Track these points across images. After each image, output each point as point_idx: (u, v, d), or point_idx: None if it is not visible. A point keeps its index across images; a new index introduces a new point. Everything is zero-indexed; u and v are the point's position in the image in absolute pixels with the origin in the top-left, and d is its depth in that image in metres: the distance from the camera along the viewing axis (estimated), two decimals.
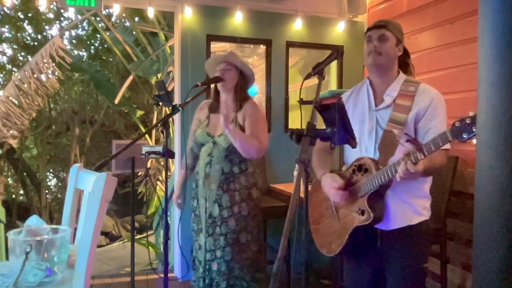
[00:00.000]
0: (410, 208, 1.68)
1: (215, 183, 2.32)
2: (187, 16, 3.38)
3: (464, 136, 1.29)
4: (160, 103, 2.17)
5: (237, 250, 2.31)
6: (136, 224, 8.07)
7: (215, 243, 2.32)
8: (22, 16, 9.39)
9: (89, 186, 1.60)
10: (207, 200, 2.35)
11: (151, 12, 3.43)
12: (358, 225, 1.64)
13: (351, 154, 1.79)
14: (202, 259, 2.37)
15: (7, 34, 9.60)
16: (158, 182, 5.94)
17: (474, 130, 1.26)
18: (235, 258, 2.30)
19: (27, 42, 9.74)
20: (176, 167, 3.66)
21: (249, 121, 2.33)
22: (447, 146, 1.56)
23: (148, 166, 5.09)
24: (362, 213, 1.63)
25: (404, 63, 1.82)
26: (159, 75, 5.73)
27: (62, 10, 9.22)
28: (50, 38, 8.82)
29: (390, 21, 1.78)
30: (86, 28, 10.37)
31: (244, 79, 2.40)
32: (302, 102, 1.49)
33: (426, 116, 1.65)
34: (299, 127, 1.32)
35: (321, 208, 1.86)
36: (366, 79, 1.86)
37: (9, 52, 9.91)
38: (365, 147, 1.74)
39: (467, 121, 1.28)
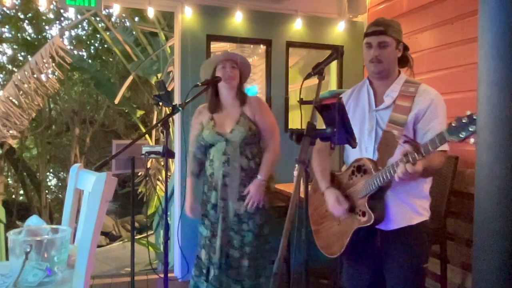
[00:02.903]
0: (410, 208, 1.68)
1: (236, 181, 2.33)
2: (187, 16, 3.38)
3: (461, 135, 1.28)
4: (160, 103, 2.17)
5: (262, 241, 2.38)
6: (136, 224, 8.07)
7: (243, 239, 2.34)
8: (22, 16, 9.38)
9: (89, 186, 1.60)
10: (228, 199, 2.34)
11: (151, 12, 3.43)
12: (359, 227, 1.64)
13: (351, 154, 1.79)
14: (217, 260, 2.34)
15: (7, 34, 9.60)
16: (158, 182, 5.94)
17: (471, 129, 1.25)
18: (259, 249, 2.37)
19: (27, 40, 9.73)
20: (176, 167, 3.65)
21: (260, 119, 2.40)
22: (445, 147, 1.56)
23: (148, 166, 5.09)
24: (363, 214, 1.63)
25: (403, 58, 1.79)
26: (159, 75, 5.74)
27: (62, 10, 9.22)
28: (50, 38, 8.83)
29: (388, 23, 1.74)
30: (86, 28, 10.38)
31: (242, 74, 2.46)
32: (302, 102, 1.49)
33: (425, 117, 1.64)
34: (299, 127, 1.32)
35: (321, 209, 1.86)
36: (366, 79, 1.85)
37: (9, 52, 9.92)
38: (365, 148, 1.74)
39: (464, 120, 1.27)
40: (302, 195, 1.30)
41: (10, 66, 9.72)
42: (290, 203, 1.13)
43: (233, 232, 2.34)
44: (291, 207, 1.11)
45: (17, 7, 8.45)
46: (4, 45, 9.65)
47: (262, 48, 3.81)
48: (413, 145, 1.42)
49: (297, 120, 1.86)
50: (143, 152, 2.56)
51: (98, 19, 7.62)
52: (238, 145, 2.33)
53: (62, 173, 11.59)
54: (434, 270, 2.63)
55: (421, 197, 1.72)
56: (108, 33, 6.86)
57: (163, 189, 5.27)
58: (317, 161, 1.88)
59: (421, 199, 1.71)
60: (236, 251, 2.34)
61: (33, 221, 1.61)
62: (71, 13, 9.10)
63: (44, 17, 9.66)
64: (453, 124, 1.30)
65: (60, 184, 11.80)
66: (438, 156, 1.57)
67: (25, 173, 10.17)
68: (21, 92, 4.99)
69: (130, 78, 6.02)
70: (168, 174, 4.98)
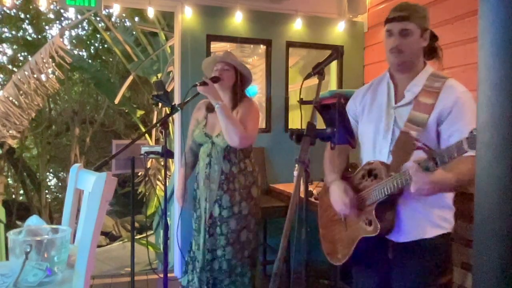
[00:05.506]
0: (425, 219, 1.51)
1: (215, 183, 2.33)
2: (187, 16, 3.38)
3: None
4: (160, 103, 2.17)
5: (238, 248, 2.32)
6: (136, 224, 8.06)
7: (216, 243, 2.32)
8: (22, 16, 9.39)
9: (89, 186, 1.60)
10: (207, 200, 2.35)
11: (151, 12, 3.43)
12: (365, 236, 1.54)
13: (365, 155, 1.67)
14: (200, 258, 2.37)
15: (7, 34, 9.59)
16: (158, 182, 5.94)
17: None
18: (236, 256, 2.32)
19: (27, 40, 9.73)
20: (176, 166, 3.66)
21: (241, 112, 2.33)
22: (471, 152, 1.27)
23: (148, 166, 5.09)
24: (370, 223, 1.52)
25: (430, 48, 1.59)
26: (159, 75, 5.74)
27: (62, 10, 9.22)
28: (50, 38, 8.82)
29: (413, 7, 1.51)
30: (86, 28, 10.38)
31: (241, 79, 2.40)
32: (302, 102, 1.48)
33: (450, 118, 1.44)
34: (299, 127, 1.31)
35: (329, 212, 1.76)
36: (386, 71, 1.66)
37: (9, 52, 9.92)
38: (379, 149, 1.58)
39: None
40: (302, 195, 1.29)
41: (10, 66, 9.72)
42: (290, 203, 1.13)
43: (208, 235, 2.33)
44: (291, 207, 1.11)
45: (17, 7, 8.45)
46: (4, 45, 9.65)
47: (262, 48, 3.81)
48: (427, 153, 1.28)
49: (297, 120, 1.85)
50: (142, 152, 2.57)
51: (98, 19, 7.63)
52: (223, 149, 2.31)
53: (62, 173, 11.58)
54: None
55: (441, 206, 1.52)
56: (108, 33, 6.86)
57: (163, 189, 5.27)
58: (329, 158, 1.76)
59: (441, 209, 1.52)
60: (209, 254, 2.33)
61: (33, 221, 1.61)
62: (71, 13, 9.12)
63: (44, 17, 9.66)
64: (475, 133, 1.11)
65: (60, 184, 11.79)
66: (466, 163, 1.32)
67: (25, 173, 10.16)
68: (21, 92, 4.98)
69: (130, 78, 6.02)
70: (168, 174, 4.98)
